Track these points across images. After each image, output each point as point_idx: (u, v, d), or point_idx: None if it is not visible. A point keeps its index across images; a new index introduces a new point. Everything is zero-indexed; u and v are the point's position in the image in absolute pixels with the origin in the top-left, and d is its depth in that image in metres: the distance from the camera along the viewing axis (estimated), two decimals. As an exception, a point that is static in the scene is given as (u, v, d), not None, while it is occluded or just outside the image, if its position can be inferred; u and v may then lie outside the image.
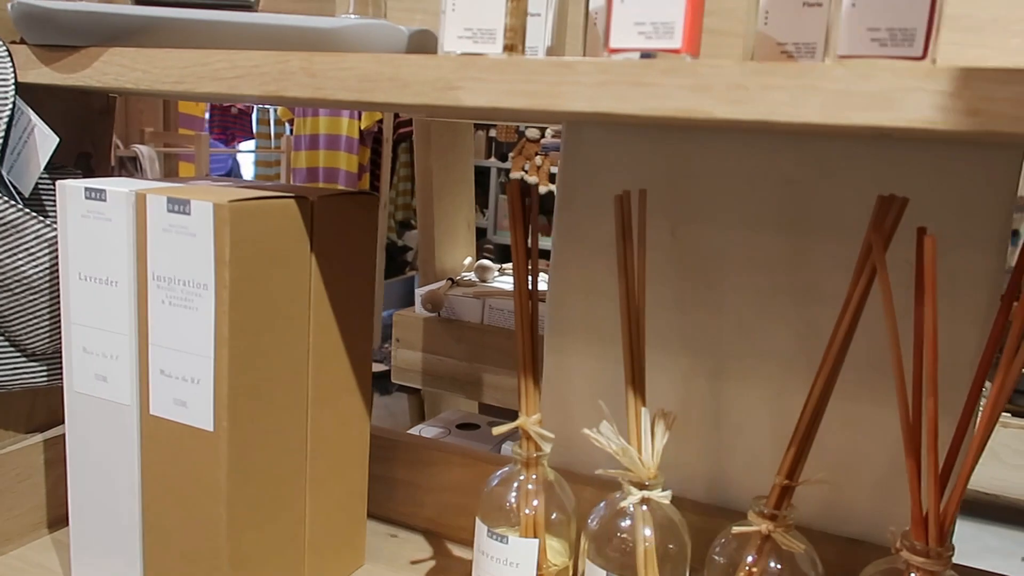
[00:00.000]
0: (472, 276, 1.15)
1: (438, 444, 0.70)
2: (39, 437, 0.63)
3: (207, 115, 3.79)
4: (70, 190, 0.50)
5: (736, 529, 0.46)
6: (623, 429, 0.48)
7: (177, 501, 0.49)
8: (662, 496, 0.48)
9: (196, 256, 0.46)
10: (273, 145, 3.82)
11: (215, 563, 0.49)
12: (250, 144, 3.89)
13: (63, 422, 0.65)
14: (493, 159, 3.53)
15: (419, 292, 1.09)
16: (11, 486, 0.61)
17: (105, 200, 0.49)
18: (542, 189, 3.39)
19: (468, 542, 0.67)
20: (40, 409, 0.65)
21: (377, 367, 1.49)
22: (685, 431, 0.60)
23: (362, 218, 0.57)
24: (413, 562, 0.64)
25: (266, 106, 3.91)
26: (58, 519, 0.65)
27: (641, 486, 0.47)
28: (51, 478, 0.64)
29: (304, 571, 0.56)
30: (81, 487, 0.54)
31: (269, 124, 3.89)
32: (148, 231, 0.47)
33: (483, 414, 1.29)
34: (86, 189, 0.50)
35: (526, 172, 3.55)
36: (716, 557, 0.47)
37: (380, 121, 2.99)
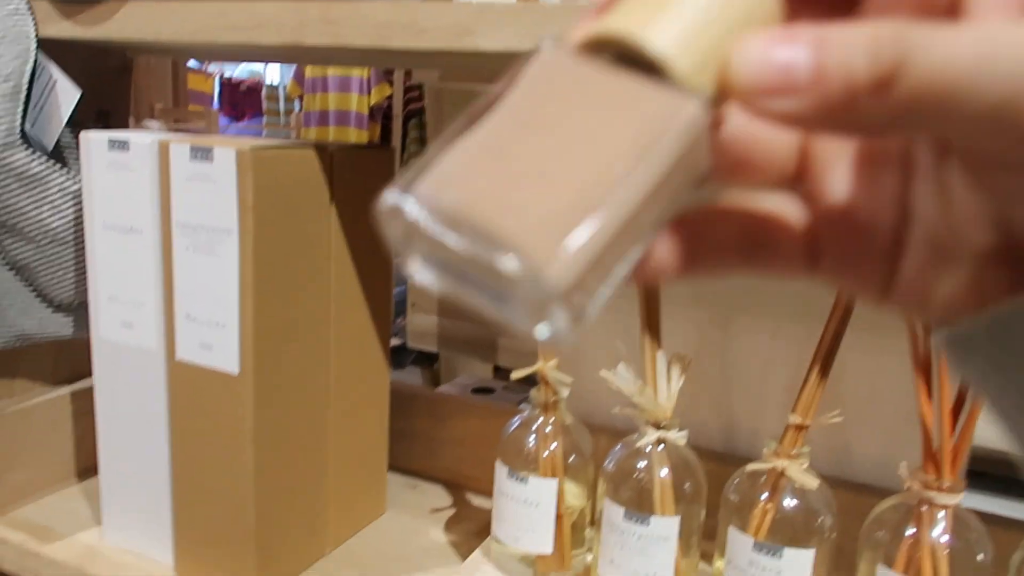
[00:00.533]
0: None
1: (456, 398, 0.71)
2: (66, 389, 0.65)
3: (216, 92, 3.78)
4: (94, 141, 0.51)
5: (751, 467, 0.47)
6: (639, 375, 0.49)
7: (204, 444, 0.51)
8: (678, 436, 0.49)
9: (219, 203, 0.47)
10: (282, 122, 3.82)
11: (242, 505, 0.50)
12: (259, 120, 3.89)
13: (88, 375, 0.67)
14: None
15: (433, 256, 1.10)
16: (41, 437, 0.63)
17: (128, 150, 0.50)
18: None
19: (486, 491, 0.68)
20: (65, 362, 0.66)
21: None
22: (699, 382, 0.61)
23: (379, 170, 0.57)
24: (433, 510, 0.65)
25: (275, 84, 3.90)
26: (86, 470, 0.66)
27: (657, 426, 0.48)
28: (79, 429, 0.66)
29: (328, 517, 0.57)
30: (110, 433, 0.56)
31: (278, 101, 3.89)
32: (171, 179, 0.48)
33: (497, 379, 1.30)
34: (109, 140, 0.51)
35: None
36: (731, 496, 0.48)
37: (390, 97, 2.98)
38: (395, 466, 0.69)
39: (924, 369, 0.42)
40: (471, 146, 0.17)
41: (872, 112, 0.16)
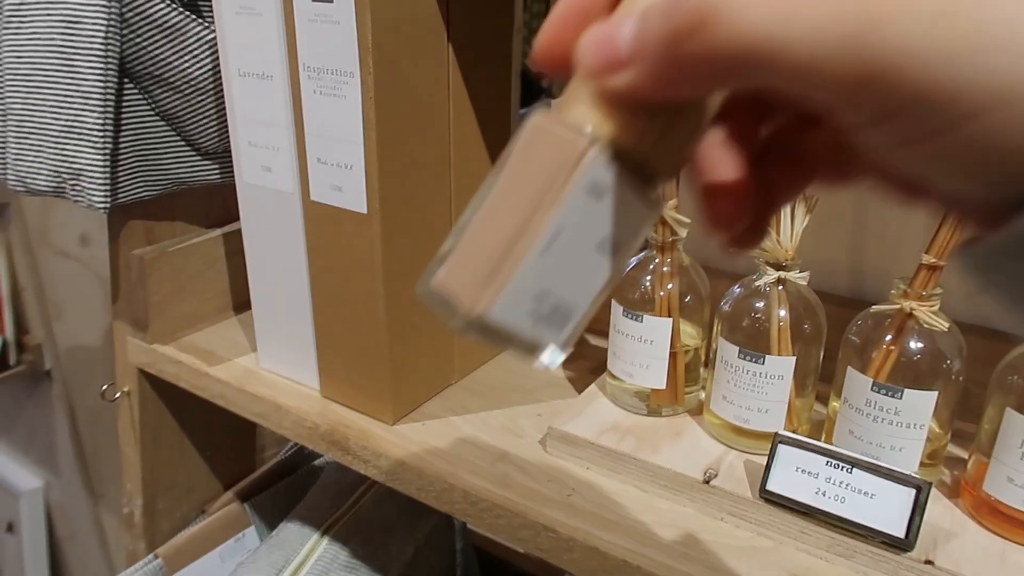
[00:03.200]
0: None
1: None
2: (218, 231, 0.71)
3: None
4: (223, -13, 0.53)
5: (876, 308, 0.45)
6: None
7: (340, 279, 0.55)
8: (799, 277, 0.48)
9: (341, 44, 0.48)
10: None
11: (376, 334, 0.54)
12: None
13: (238, 218, 0.73)
14: None
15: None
16: (200, 272, 0.70)
17: (255, -6, 0.51)
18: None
19: (603, 332, 0.70)
20: (217, 206, 0.72)
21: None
22: (826, 223, 0.58)
23: (496, 8, 0.56)
24: (552, 348, 0.68)
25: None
26: (241, 303, 0.74)
27: (778, 267, 0.47)
28: (232, 267, 0.72)
29: (453, 349, 0.61)
30: (259, 270, 0.61)
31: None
32: (296, 22, 0.49)
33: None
34: (237, -15, 0.52)
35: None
36: (852, 337, 0.47)
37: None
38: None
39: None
40: (465, 229, 0.21)
41: (694, 69, 0.18)
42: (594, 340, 0.69)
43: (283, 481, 0.83)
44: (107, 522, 1.50)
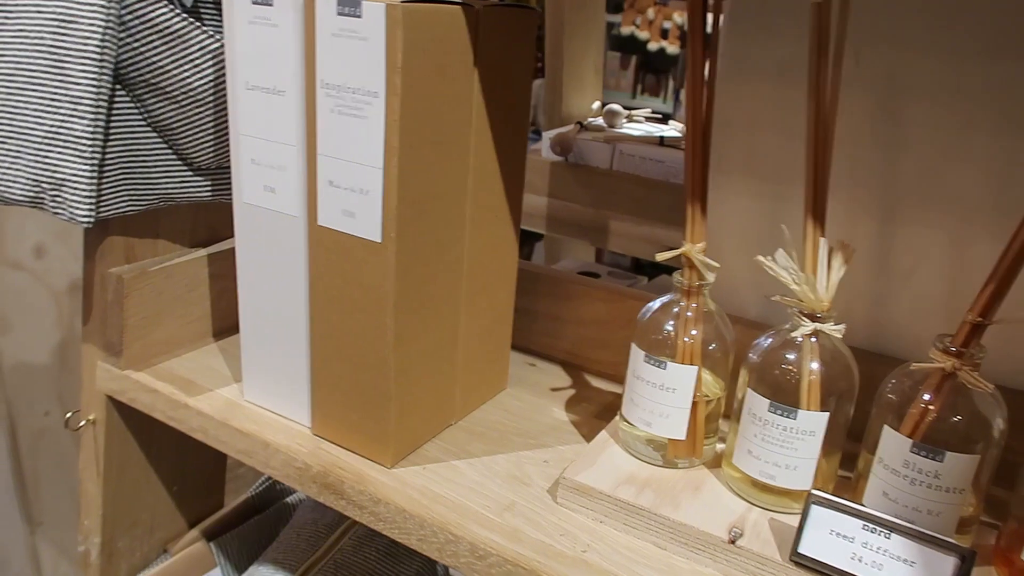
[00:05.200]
0: (600, 121, 1.11)
1: (579, 278, 0.70)
2: (203, 251, 0.67)
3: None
4: (236, -5, 0.50)
5: (916, 365, 0.44)
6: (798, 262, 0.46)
7: (344, 310, 0.51)
8: (834, 330, 0.46)
9: (367, 62, 0.45)
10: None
11: (381, 370, 0.51)
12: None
13: (224, 238, 0.69)
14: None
15: (547, 135, 1.06)
16: (181, 294, 0.65)
17: (272, 4, 0.48)
18: (652, 46, 3.21)
19: (605, 374, 0.68)
20: (202, 225, 0.68)
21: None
22: (847, 274, 0.57)
23: (522, 33, 0.54)
24: (553, 389, 0.66)
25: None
26: (223, 329, 0.69)
27: (813, 318, 0.46)
28: (215, 290, 0.68)
29: (456, 387, 0.58)
30: (251, 295, 0.57)
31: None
32: (317, 36, 0.46)
33: (598, 263, 1.28)
34: (252, -7, 0.49)
35: (637, 27, 3.35)
36: (889, 395, 0.45)
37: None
38: (514, 344, 0.69)
39: None
40: None
41: None
42: (597, 383, 0.67)
43: (252, 519, 0.78)
44: (44, 552, 1.41)
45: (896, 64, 0.53)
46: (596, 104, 1.16)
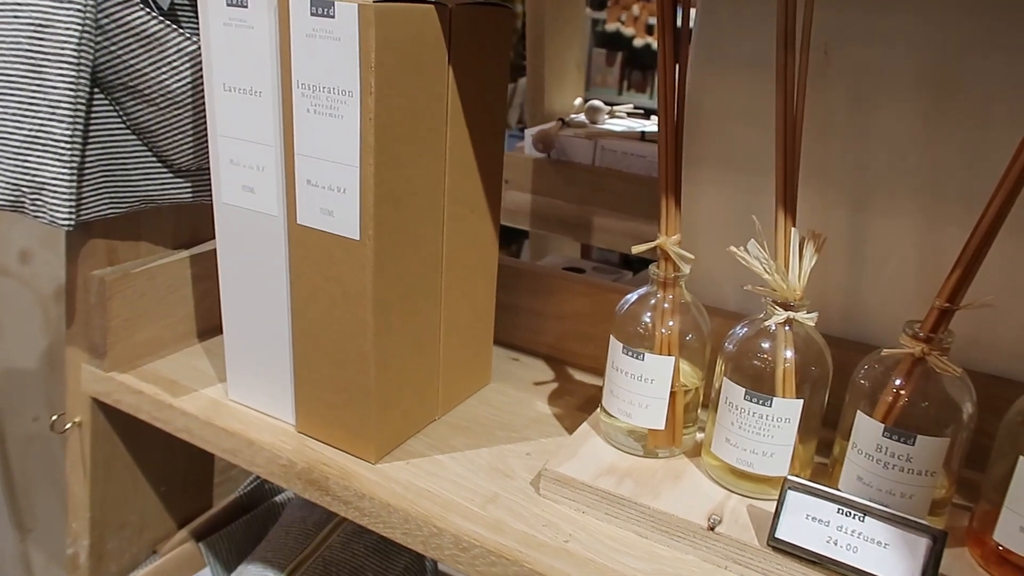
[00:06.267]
0: (582, 118, 1.11)
1: (560, 273, 0.71)
2: (186, 253, 0.67)
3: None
4: (211, -3, 0.50)
5: (887, 351, 0.45)
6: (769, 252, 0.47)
7: (325, 308, 0.52)
8: (807, 318, 0.47)
9: (341, 61, 0.45)
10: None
11: (362, 366, 0.51)
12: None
13: (206, 239, 0.69)
14: (587, 9, 3.34)
15: (529, 132, 1.07)
16: (163, 295, 0.65)
17: (247, 6, 0.49)
18: (638, 42, 3.22)
19: (588, 368, 0.68)
20: (184, 227, 0.68)
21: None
22: (821, 263, 0.58)
23: (496, 31, 0.54)
24: (536, 383, 0.66)
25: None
26: (206, 330, 0.70)
27: (786, 307, 0.46)
28: (198, 291, 0.68)
29: (438, 382, 0.59)
30: (233, 295, 0.57)
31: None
32: (291, 37, 0.47)
33: (585, 259, 1.29)
34: (227, -5, 0.49)
35: (622, 23, 3.36)
36: (861, 381, 0.46)
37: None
38: (497, 339, 0.70)
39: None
40: None
41: None
42: (579, 376, 0.68)
43: (241, 519, 0.78)
44: (36, 559, 1.41)
45: (864, 56, 0.53)
46: (579, 101, 1.17)
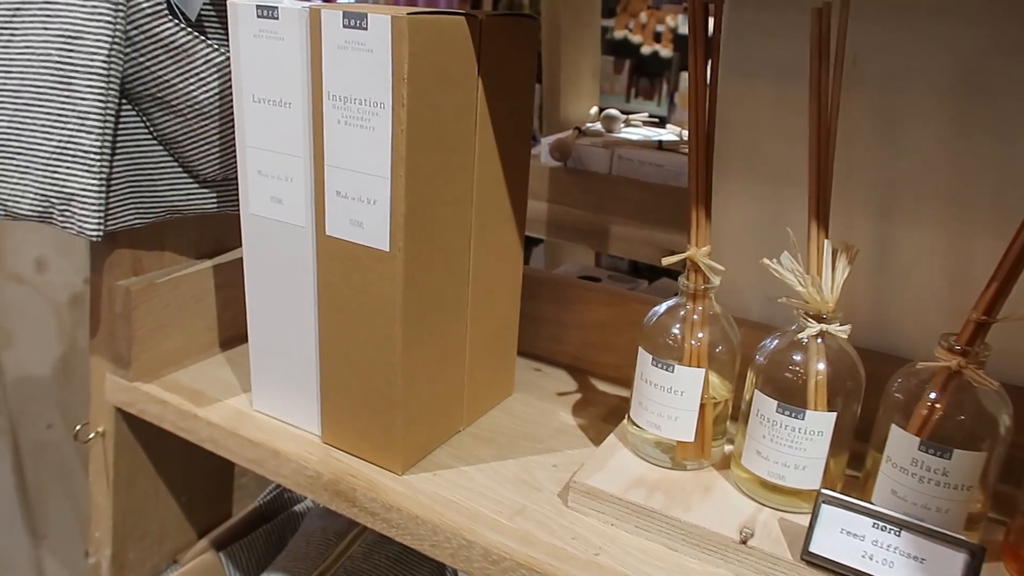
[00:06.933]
0: (598, 126, 1.12)
1: (581, 283, 0.71)
2: (209, 262, 0.67)
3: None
4: (242, 9, 0.50)
5: (922, 364, 0.44)
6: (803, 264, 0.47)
7: (353, 319, 0.52)
8: (840, 330, 0.46)
9: (373, 73, 0.45)
10: None
11: (390, 377, 0.51)
12: None
13: (229, 248, 0.69)
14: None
15: (545, 141, 1.07)
16: (187, 305, 0.66)
17: (277, 18, 0.49)
18: (646, 50, 3.23)
19: (610, 378, 0.68)
20: (208, 236, 0.68)
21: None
22: (850, 274, 0.58)
23: (524, 41, 0.55)
24: (559, 393, 0.66)
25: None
26: (228, 339, 0.70)
27: (819, 319, 0.46)
28: (221, 301, 0.68)
29: (463, 394, 0.59)
30: (260, 306, 0.57)
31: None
32: (323, 48, 0.47)
33: (597, 267, 1.29)
34: (258, 7, 0.49)
35: (630, 31, 3.36)
36: (895, 394, 0.46)
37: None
38: (520, 349, 0.70)
39: None
40: None
41: None
42: (603, 386, 0.67)
43: (261, 528, 0.78)
44: (49, 565, 1.41)
45: (893, 64, 0.53)
46: (594, 109, 1.17)
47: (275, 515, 0.80)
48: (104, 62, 0.52)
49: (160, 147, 0.59)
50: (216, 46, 0.56)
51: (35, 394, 1.30)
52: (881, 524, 0.42)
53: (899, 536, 0.42)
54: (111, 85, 0.53)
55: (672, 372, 0.50)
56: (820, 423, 0.46)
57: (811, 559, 0.43)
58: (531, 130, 0.58)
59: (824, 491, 0.44)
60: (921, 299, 0.56)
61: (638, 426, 0.53)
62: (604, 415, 0.63)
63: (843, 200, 0.56)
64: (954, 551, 0.41)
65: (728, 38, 0.59)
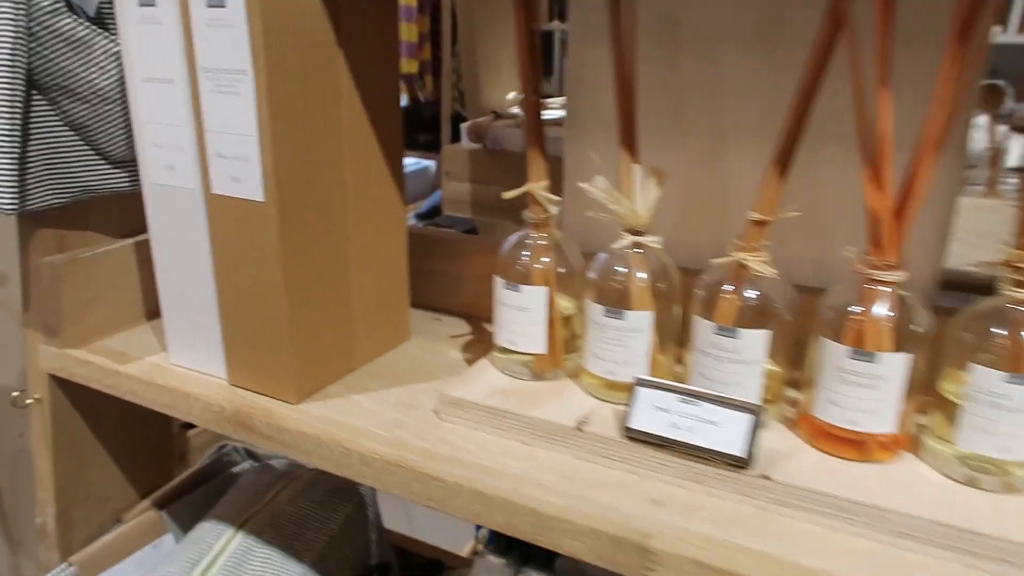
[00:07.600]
0: (516, 110, 1.19)
1: (469, 237, 0.78)
2: (130, 240, 0.74)
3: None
4: (126, 0, 0.57)
5: (715, 261, 0.52)
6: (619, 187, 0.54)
7: (243, 268, 0.59)
8: (653, 241, 0.54)
9: (235, 45, 0.53)
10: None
11: (277, 318, 0.58)
12: None
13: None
14: (556, 22, 3.42)
15: (464, 126, 1.15)
16: (111, 280, 0.72)
17: (155, 5, 0.56)
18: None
19: (502, 322, 0.75)
20: (129, 217, 0.75)
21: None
22: (691, 211, 0.65)
23: (383, 15, 0.62)
24: (453, 336, 0.73)
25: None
26: (154, 311, 0.76)
27: (634, 232, 0.53)
28: (144, 276, 0.75)
29: (355, 336, 0.65)
30: (166, 265, 0.64)
31: None
32: (193, 28, 0.54)
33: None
34: (138, -3, 0.57)
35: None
36: (698, 291, 0.53)
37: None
38: (421, 303, 0.77)
39: (872, 162, 0.46)
40: None
41: None
42: (490, 327, 0.74)
43: (201, 488, 0.84)
44: (27, 573, 1.46)
45: (709, 21, 0.61)
46: (512, 94, 1.25)
47: (214, 476, 0.86)
48: (8, 55, 0.59)
49: (71, 132, 0.66)
50: (113, 37, 0.63)
51: (5, 404, 1.36)
52: (683, 397, 0.50)
53: (698, 406, 0.49)
54: (16, 75, 0.60)
55: (519, 292, 0.57)
56: (639, 322, 0.53)
57: (631, 434, 0.50)
58: (397, 96, 0.66)
59: (639, 376, 0.51)
60: (731, 219, 0.63)
61: (500, 346, 0.60)
62: (490, 350, 0.70)
63: (682, 143, 0.64)
64: (741, 413, 0.48)
65: (575, 4, 0.67)
